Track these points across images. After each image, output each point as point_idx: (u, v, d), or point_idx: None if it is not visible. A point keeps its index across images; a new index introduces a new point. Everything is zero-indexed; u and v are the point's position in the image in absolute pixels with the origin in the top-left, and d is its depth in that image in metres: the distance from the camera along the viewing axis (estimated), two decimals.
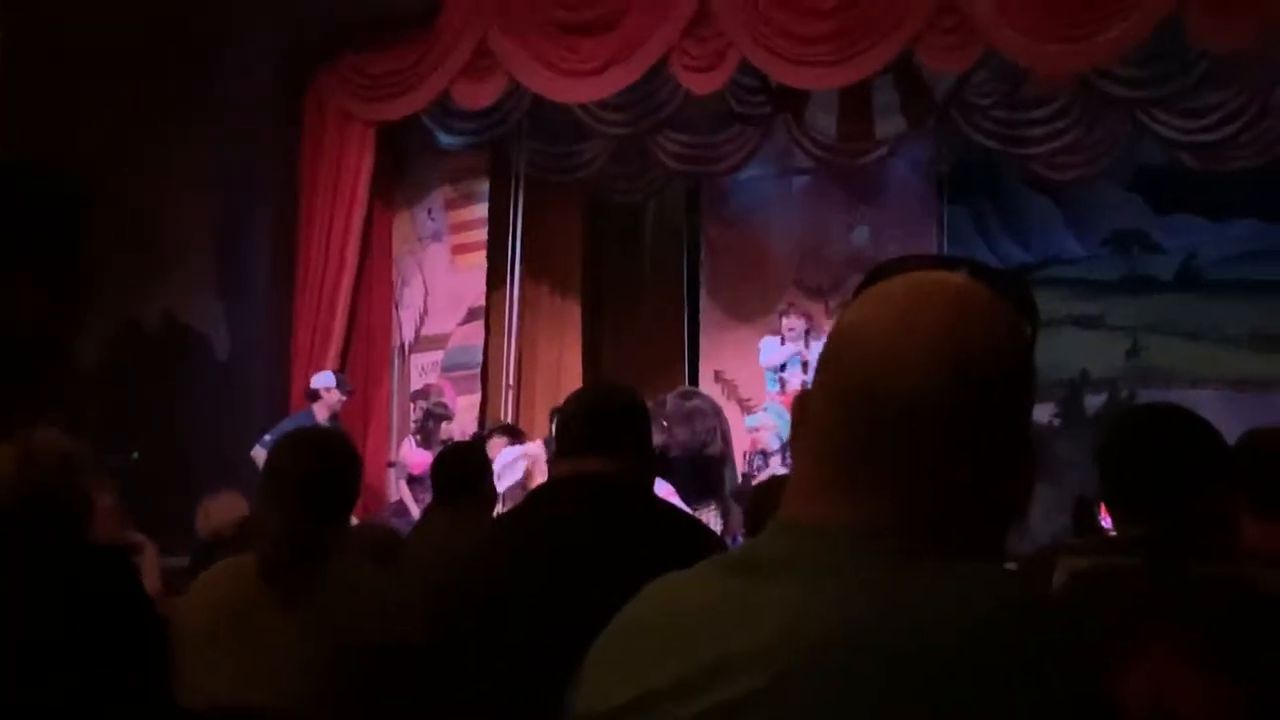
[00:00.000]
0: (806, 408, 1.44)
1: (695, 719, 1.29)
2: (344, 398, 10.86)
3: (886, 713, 1.21)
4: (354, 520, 5.03)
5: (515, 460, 9.98)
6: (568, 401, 3.39)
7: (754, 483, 9.71)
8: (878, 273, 1.52)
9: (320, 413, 10.51)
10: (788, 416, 7.80)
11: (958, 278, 1.44)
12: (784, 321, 11.66)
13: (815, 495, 1.39)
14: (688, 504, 7.22)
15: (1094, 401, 11.98)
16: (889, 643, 1.24)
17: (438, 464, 5.66)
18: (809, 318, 11.83)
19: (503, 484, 8.70)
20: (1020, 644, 1.25)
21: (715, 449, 8.42)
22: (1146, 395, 11.12)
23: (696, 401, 8.80)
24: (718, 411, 8.89)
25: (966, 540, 1.37)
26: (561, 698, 1.50)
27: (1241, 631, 2.56)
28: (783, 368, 11.45)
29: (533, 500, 3.38)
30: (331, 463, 3.68)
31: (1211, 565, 2.68)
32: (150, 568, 6.00)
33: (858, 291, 1.48)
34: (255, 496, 8.09)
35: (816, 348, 11.16)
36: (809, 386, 1.46)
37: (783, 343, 11.61)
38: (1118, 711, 1.29)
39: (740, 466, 10.64)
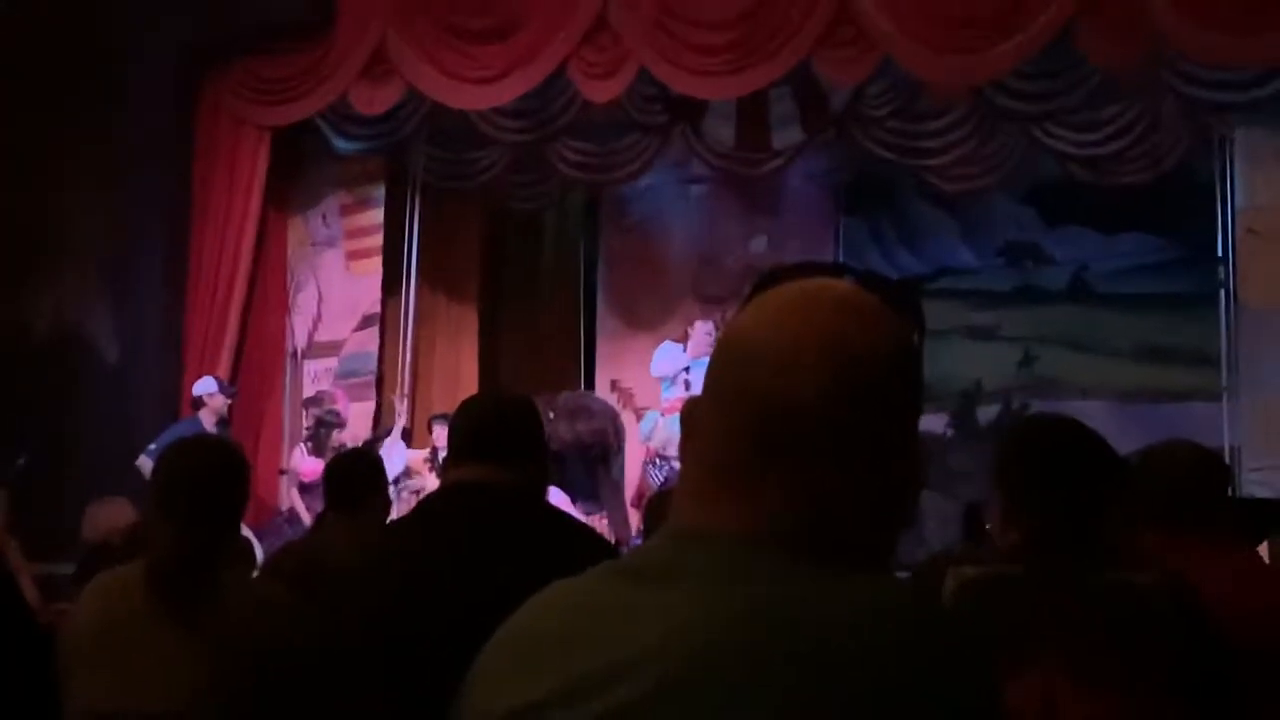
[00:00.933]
0: (695, 415, 1.44)
1: None
2: (229, 401, 10.74)
3: (778, 714, 1.21)
4: (244, 528, 4.98)
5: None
6: (460, 407, 3.37)
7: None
8: (766, 279, 1.52)
9: (206, 419, 10.39)
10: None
11: (845, 285, 1.45)
12: (699, 325, 11.62)
13: (703, 502, 1.39)
14: (577, 505, 7.19)
15: (987, 412, 12.09)
16: (774, 650, 1.23)
17: (330, 472, 5.61)
18: (718, 324, 11.87)
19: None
20: (905, 653, 1.25)
21: (598, 450, 8.37)
22: (1038, 406, 11.23)
23: (587, 401, 8.81)
24: (612, 417, 8.88)
25: (853, 547, 1.37)
26: (447, 708, 1.48)
27: (1122, 640, 2.59)
28: (686, 370, 11.41)
29: (422, 508, 3.35)
30: (219, 471, 3.63)
31: (1094, 571, 2.71)
32: (23, 579, 5.90)
33: (748, 298, 1.48)
34: (144, 505, 8.03)
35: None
36: (696, 395, 1.46)
37: (685, 349, 11.59)
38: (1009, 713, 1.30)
39: (637, 476, 10.66)
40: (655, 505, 5.37)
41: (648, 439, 10.93)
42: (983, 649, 1.31)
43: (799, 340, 1.36)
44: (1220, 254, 10.61)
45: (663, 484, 10.14)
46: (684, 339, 11.62)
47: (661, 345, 11.66)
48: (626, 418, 12.54)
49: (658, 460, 10.73)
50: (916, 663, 1.24)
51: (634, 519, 10.42)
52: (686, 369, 11.10)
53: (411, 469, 11.15)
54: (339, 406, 11.80)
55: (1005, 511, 2.83)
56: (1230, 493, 8.87)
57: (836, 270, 1.51)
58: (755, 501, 1.35)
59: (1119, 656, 2.56)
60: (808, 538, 1.33)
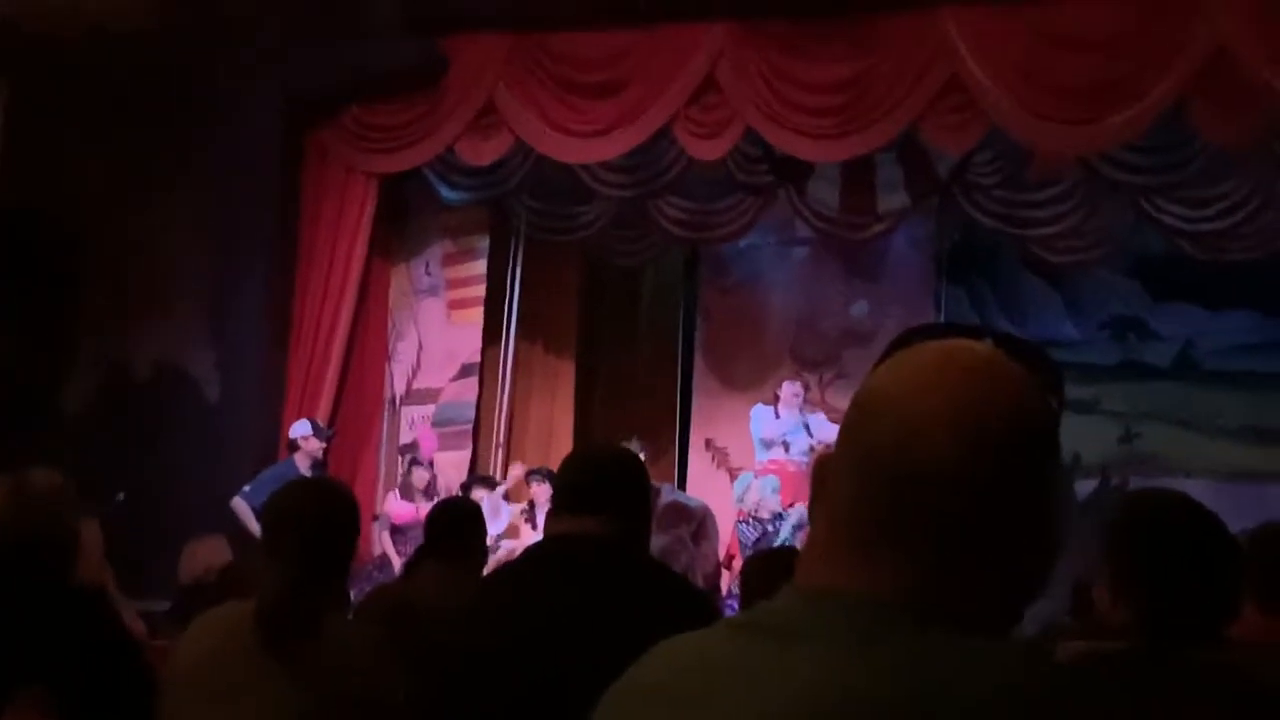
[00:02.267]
0: (826, 473, 1.42)
1: None
2: (323, 445, 10.81)
3: None
4: None
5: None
6: (567, 459, 3.36)
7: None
8: (903, 339, 1.50)
9: (301, 462, 10.47)
10: (775, 484, 7.78)
11: (983, 347, 1.42)
12: (787, 387, 11.61)
13: (832, 561, 1.36)
14: None
15: (1085, 487, 11.97)
16: (901, 714, 1.21)
17: (432, 518, 5.61)
18: (806, 385, 11.82)
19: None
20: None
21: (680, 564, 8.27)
22: (1138, 483, 11.11)
23: (684, 502, 8.78)
24: (703, 517, 8.82)
25: (983, 614, 1.34)
26: None
27: None
28: (784, 436, 11.38)
29: (527, 558, 3.34)
30: (334, 518, 3.65)
31: (1209, 653, 2.66)
32: (123, 607, 5.94)
33: (883, 358, 1.46)
34: (243, 545, 8.10)
35: (813, 418, 11.17)
36: (829, 451, 1.44)
37: (777, 415, 11.56)
38: None
39: (729, 535, 10.62)
40: (753, 566, 5.34)
41: (740, 500, 10.89)
42: None
43: (931, 402, 1.34)
44: None
45: (757, 544, 10.10)
46: (774, 401, 11.61)
47: (755, 409, 11.66)
48: (720, 476, 12.54)
49: (751, 521, 10.70)
50: None
51: (725, 579, 10.40)
52: (804, 429, 11.10)
53: (511, 526, 11.17)
54: (423, 446, 11.86)
55: (1115, 588, 2.78)
56: None
57: (976, 332, 1.49)
58: (884, 565, 1.33)
59: None
60: (937, 602, 1.31)
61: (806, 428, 11.28)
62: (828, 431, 10.96)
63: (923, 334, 1.49)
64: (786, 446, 11.27)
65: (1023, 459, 1.35)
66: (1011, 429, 1.34)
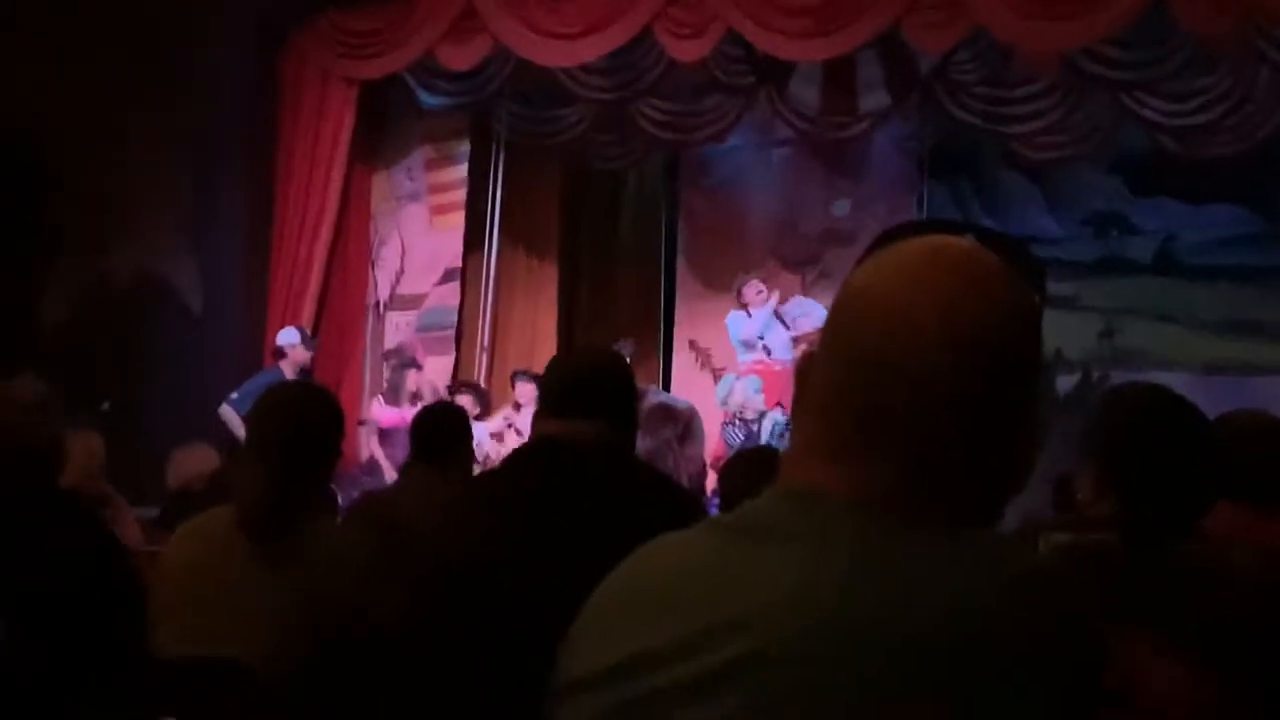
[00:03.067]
0: (810, 373, 1.42)
1: (690, 680, 1.28)
2: (310, 353, 10.81)
3: (886, 683, 1.20)
4: None
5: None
6: (553, 361, 3.38)
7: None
8: (885, 237, 1.50)
9: (288, 370, 10.46)
10: (757, 384, 7.79)
11: (966, 244, 1.42)
12: (745, 289, 11.68)
13: (815, 462, 1.37)
14: None
15: (1066, 383, 12.00)
16: (891, 614, 1.23)
17: (417, 424, 5.63)
18: (766, 282, 11.84)
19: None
20: (1018, 620, 1.24)
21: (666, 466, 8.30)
22: (1119, 378, 11.11)
23: (671, 404, 8.79)
24: (689, 418, 8.84)
25: (965, 511, 1.36)
26: (543, 663, 1.49)
27: (1215, 619, 2.57)
28: (761, 336, 11.42)
29: (513, 461, 3.36)
30: (315, 420, 3.67)
31: (1186, 544, 2.69)
32: (126, 520, 5.98)
33: (865, 256, 1.47)
34: (231, 451, 8.12)
35: (787, 307, 11.21)
36: (812, 350, 1.45)
37: (749, 315, 11.59)
38: (1112, 687, 1.29)
39: (717, 442, 10.66)
40: (732, 468, 5.36)
41: (724, 403, 10.93)
42: (1093, 616, 1.31)
43: (915, 301, 1.34)
44: None
45: (740, 446, 10.13)
46: (743, 305, 11.65)
47: (729, 315, 11.68)
48: (704, 377, 12.57)
49: (736, 422, 10.75)
50: (1027, 635, 1.24)
51: (711, 481, 10.44)
52: (762, 334, 11.12)
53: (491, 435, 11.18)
54: (415, 354, 11.87)
55: (1097, 480, 2.81)
56: None
57: (958, 228, 1.49)
58: (868, 465, 1.33)
59: (1208, 635, 2.54)
60: (922, 500, 1.32)
61: (780, 319, 11.31)
62: (804, 316, 11.01)
63: (904, 231, 1.50)
64: (768, 350, 11.30)
65: (1006, 355, 1.36)
66: (994, 325, 1.35)
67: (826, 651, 1.22)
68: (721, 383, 11.33)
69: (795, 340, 11.27)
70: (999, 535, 1.41)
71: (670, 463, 8.41)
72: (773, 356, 11.28)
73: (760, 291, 11.63)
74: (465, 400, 10.55)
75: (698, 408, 9.48)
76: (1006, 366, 1.36)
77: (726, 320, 11.79)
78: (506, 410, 11.41)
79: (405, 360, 11.58)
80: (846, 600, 1.24)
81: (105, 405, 9.63)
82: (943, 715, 1.19)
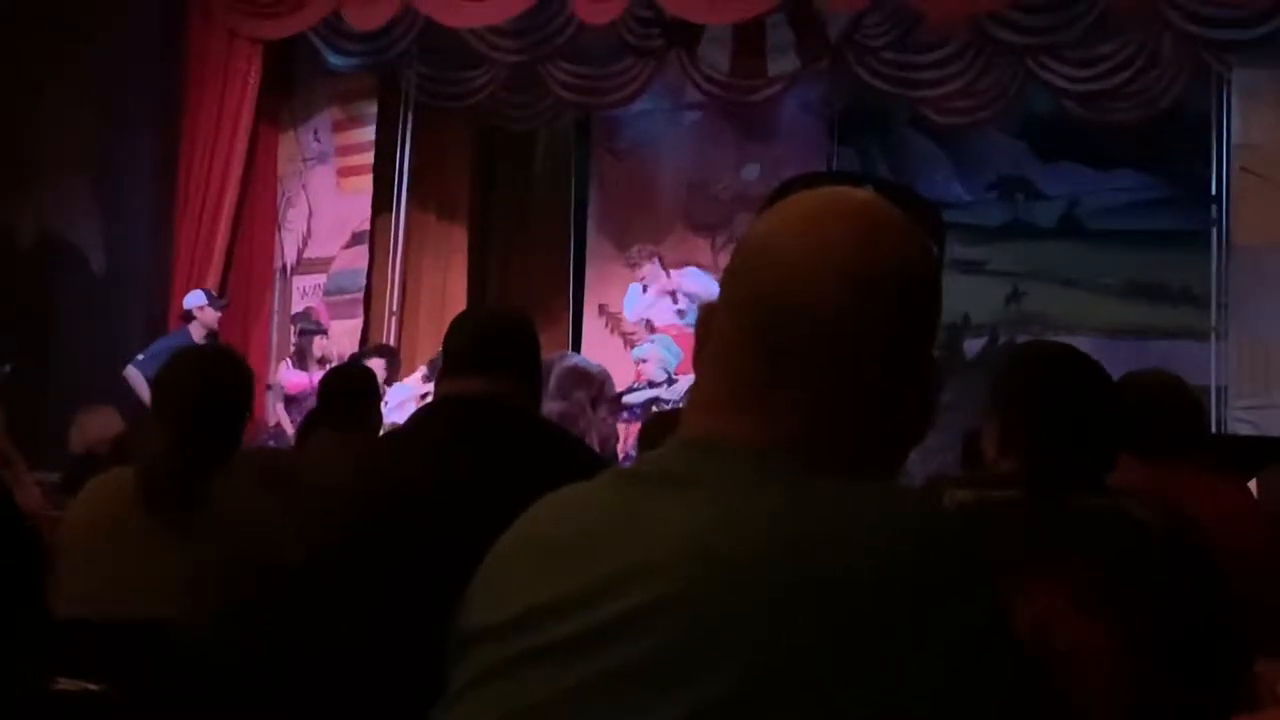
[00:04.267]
0: (711, 322, 1.42)
1: (590, 630, 1.27)
2: (218, 315, 10.71)
3: (787, 630, 1.19)
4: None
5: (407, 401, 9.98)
6: (456, 320, 3.34)
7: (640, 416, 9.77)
8: (785, 188, 1.50)
9: (196, 332, 10.37)
10: (675, 348, 7.83)
11: (864, 193, 1.42)
12: (639, 270, 11.70)
13: (717, 411, 1.37)
14: None
15: (973, 345, 12.10)
16: (792, 559, 1.22)
17: (325, 385, 5.60)
18: (658, 258, 11.84)
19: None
20: (919, 569, 1.24)
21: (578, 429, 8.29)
22: (1025, 341, 11.23)
23: (585, 366, 8.78)
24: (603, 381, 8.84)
25: (866, 460, 1.36)
26: (445, 619, 1.48)
27: (1116, 569, 2.60)
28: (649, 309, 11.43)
29: (417, 420, 3.34)
30: (224, 382, 3.65)
31: (1090, 499, 2.72)
32: (25, 482, 5.91)
33: (765, 206, 1.47)
34: (136, 415, 8.04)
35: (679, 276, 11.20)
36: (713, 301, 1.45)
37: (645, 289, 11.58)
38: (1018, 636, 1.30)
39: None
40: (652, 425, 5.38)
41: (642, 363, 10.93)
42: (990, 568, 1.31)
43: (816, 250, 1.34)
44: (1214, 192, 10.63)
45: (646, 408, 10.17)
46: (641, 278, 11.66)
47: (630, 286, 11.69)
48: (614, 342, 12.57)
49: (645, 385, 10.77)
50: (931, 579, 1.23)
51: (622, 445, 10.44)
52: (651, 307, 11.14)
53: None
54: (320, 319, 11.80)
55: (1002, 437, 2.83)
56: (1216, 429, 8.96)
57: (857, 179, 1.50)
58: (768, 412, 1.33)
59: (1112, 585, 2.57)
60: (820, 450, 1.32)
61: (672, 294, 11.30)
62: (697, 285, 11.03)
63: (804, 183, 1.49)
64: (650, 325, 11.31)
65: (904, 302, 1.37)
66: (892, 272, 1.35)
67: (726, 599, 1.22)
68: (636, 350, 11.33)
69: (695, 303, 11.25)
70: (902, 486, 1.41)
71: (582, 426, 8.41)
72: (684, 321, 11.26)
73: (645, 275, 11.63)
74: (376, 364, 10.48)
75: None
76: (904, 313, 1.37)
77: (626, 295, 11.80)
78: (415, 378, 11.33)
79: (311, 326, 11.51)
80: (746, 546, 1.24)
81: (6, 367, 9.50)
82: (843, 661, 1.18)
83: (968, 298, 11.85)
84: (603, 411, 8.99)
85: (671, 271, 11.72)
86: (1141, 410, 3.43)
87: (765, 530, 1.25)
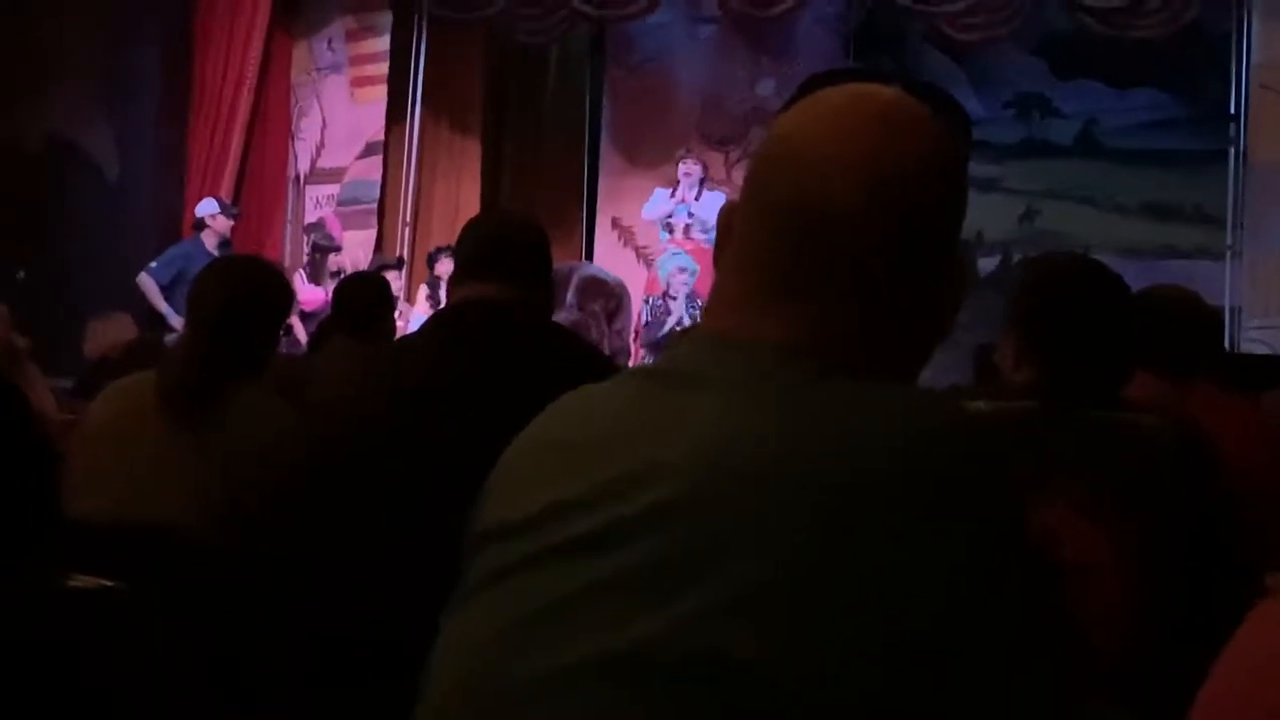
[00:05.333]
0: (731, 220, 1.41)
1: (607, 527, 1.27)
2: (230, 223, 10.69)
3: (805, 527, 1.19)
4: None
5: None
6: (469, 225, 3.33)
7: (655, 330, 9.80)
8: (809, 85, 1.49)
9: (209, 240, 10.36)
10: (695, 264, 7.79)
11: (892, 92, 1.40)
12: (680, 166, 11.56)
13: (737, 309, 1.36)
14: None
15: (987, 264, 12.07)
16: (813, 458, 1.22)
17: (339, 293, 5.60)
18: (705, 165, 11.72)
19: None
20: (945, 463, 1.23)
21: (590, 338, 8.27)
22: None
23: (603, 278, 8.76)
24: (621, 294, 8.83)
25: (885, 361, 1.35)
26: (460, 520, 1.48)
27: (1128, 481, 2.61)
28: (669, 217, 11.35)
29: (432, 325, 3.34)
30: (254, 290, 3.65)
31: (1104, 411, 2.72)
32: (39, 388, 5.91)
33: (789, 104, 1.45)
34: (149, 322, 8.07)
35: (708, 198, 11.11)
36: (734, 200, 1.44)
37: (673, 194, 11.50)
38: (1034, 541, 1.29)
39: (640, 312, 10.67)
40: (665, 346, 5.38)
41: (665, 280, 10.92)
42: (1009, 468, 1.30)
43: (839, 147, 1.33)
44: (1232, 111, 10.57)
45: (651, 324, 10.19)
46: (676, 184, 11.58)
47: (656, 190, 11.62)
48: (626, 254, 12.56)
49: (661, 299, 10.77)
50: (949, 475, 1.23)
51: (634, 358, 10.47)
52: (687, 214, 11.05)
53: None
54: (332, 230, 11.78)
55: (1018, 349, 2.82)
56: (1230, 346, 8.95)
57: (883, 77, 1.48)
58: (790, 310, 1.33)
59: (1123, 497, 2.58)
60: (838, 351, 1.31)
61: (689, 213, 11.24)
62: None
63: (829, 79, 1.48)
64: (687, 230, 11.23)
65: (929, 201, 1.35)
66: (918, 171, 1.34)
67: (746, 495, 1.21)
68: (659, 262, 11.32)
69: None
70: (921, 387, 1.41)
71: (594, 335, 8.42)
72: (676, 236, 11.20)
73: (689, 174, 11.53)
74: (391, 276, 10.47)
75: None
76: (929, 212, 1.35)
77: (652, 195, 11.70)
78: (421, 300, 11.32)
79: (325, 243, 11.48)
80: (767, 444, 1.23)
81: (20, 274, 9.51)
82: (863, 559, 1.18)
83: (982, 216, 11.82)
84: (618, 324, 9.01)
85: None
86: (1158, 326, 3.42)
87: (785, 429, 1.24)
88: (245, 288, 3.66)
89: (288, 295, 3.82)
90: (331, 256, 11.18)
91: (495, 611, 1.34)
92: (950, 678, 1.19)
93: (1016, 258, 11.93)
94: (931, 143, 1.37)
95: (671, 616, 1.20)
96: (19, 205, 10.52)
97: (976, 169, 11.75)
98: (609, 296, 8.73)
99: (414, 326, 9.57)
